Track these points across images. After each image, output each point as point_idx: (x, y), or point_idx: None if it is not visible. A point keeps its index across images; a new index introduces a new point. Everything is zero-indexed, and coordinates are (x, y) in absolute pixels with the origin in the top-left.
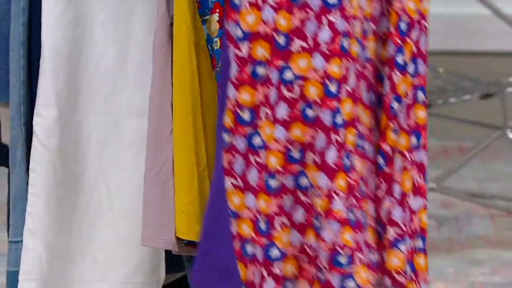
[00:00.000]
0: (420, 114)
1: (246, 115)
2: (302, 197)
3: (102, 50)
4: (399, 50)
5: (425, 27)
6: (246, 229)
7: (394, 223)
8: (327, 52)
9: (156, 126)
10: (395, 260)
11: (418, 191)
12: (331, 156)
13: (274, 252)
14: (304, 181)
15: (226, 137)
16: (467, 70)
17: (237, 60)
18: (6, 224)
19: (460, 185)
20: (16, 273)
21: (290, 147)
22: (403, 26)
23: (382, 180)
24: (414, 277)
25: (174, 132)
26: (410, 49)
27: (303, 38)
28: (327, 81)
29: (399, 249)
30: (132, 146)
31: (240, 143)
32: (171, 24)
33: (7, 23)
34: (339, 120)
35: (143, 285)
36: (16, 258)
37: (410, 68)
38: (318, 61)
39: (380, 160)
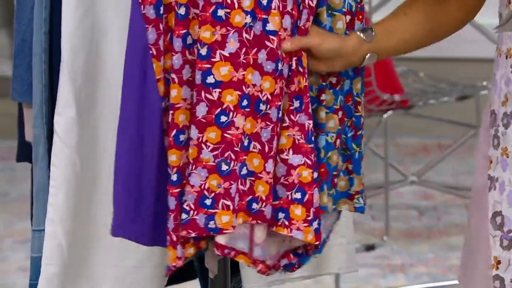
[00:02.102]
0: (302, 81)
1: None
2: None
3: (117, 54)
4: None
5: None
6: None
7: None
8: (200, 19)
9: None
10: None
11: (298, 149)
12: (200, 111)
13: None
14: (185, 135)
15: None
16: (445, 74)
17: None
18: (30, 214)
19: (438, 179)
20: (39, 258)
21: (182, 104)
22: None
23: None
24: (287, 223)
25: None
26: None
27: (196, 6)
28: (199, 46)
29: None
30: None
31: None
32: None
33: (30, 32)
34: (210, 79)
35: (154, 269)
36: (39, 245)
37: None
38: (196, 26)
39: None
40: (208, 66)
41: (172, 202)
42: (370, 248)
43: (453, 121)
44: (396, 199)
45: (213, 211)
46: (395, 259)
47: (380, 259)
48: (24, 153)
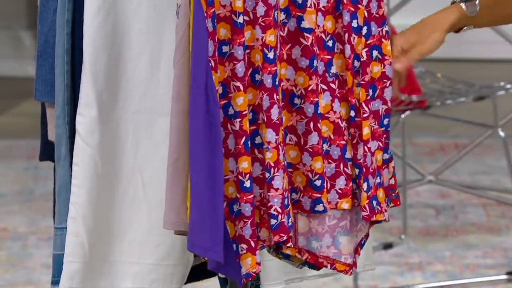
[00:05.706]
0: (375, 69)
1: (220, 90)
2: (258, 154)
3: (137, 56)
4: (353, 16)
5: None
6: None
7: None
8: (263, 24)
9: (177, 121)
10: (362, 198)
11: (374, 135)
12: (275, 113)
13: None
14: (258, 139)
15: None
16: (463, 75)
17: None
18: (53, 212)
19: (455, 178)
20: (61, 256)
21: (247, 111)
22: None
23: (356, 129)
24: (380, 208)
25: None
26: (362, 14)
27: (246, 13)
28: (265, 50)
29: (363, 189)
30: (164, 141)
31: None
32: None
33: (53, 33)
34: (276, 82)
35: (174, 267)
36: (61, 243)
37: (364, 30)
38: (258, 32)
39: (352, 113)
40: (275, 68)
41: (248, 209)
42: (388, 246)
43: (470, 121)
44: (414, 198)
45: (289, 209)
46: (413, 257)
47: (398, 257)
48: (47, 152)
